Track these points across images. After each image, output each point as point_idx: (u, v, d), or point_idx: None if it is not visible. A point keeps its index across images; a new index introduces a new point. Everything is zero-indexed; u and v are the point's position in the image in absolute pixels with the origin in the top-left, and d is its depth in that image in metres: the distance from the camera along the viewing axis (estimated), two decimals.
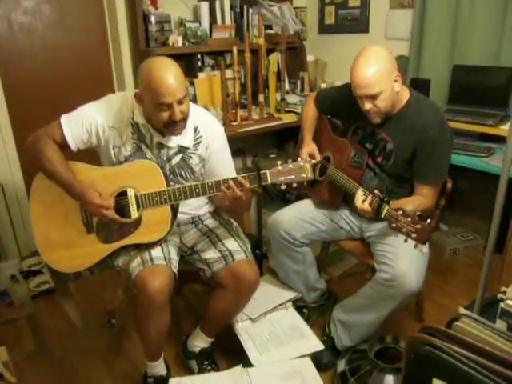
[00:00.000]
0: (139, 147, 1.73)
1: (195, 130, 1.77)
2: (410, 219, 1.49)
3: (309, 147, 2.08)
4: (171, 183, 1.77)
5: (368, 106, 1.72)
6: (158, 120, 1.60)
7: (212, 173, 1.83)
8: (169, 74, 1.52)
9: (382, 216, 1.60)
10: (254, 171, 1.61)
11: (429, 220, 1.49)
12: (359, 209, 1.71)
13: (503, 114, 2.55)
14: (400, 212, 1.52)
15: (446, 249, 2.84)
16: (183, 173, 1.80)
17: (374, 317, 1.82)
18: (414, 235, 1.49)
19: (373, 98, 1.70)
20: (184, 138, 1.74)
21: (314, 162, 1.93)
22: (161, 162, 1.75)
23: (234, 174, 1.80)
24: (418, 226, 1.48)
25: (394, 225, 1.54)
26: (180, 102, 1.56)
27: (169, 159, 1.77)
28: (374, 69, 1.65)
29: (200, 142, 1.78)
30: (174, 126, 1.61)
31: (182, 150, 1.77)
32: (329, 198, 2.04)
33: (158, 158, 1.75)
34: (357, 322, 1.89)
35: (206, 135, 1.79)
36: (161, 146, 1.74)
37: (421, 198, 1.76)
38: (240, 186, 1.59)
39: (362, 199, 1.70)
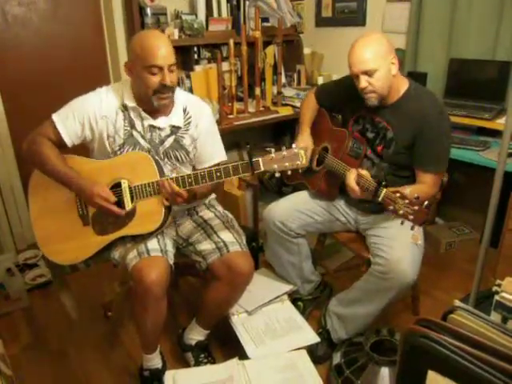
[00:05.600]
0: (131, 134, 1.74)
1: (184, 110, 1.80)
2: (407, 201, 1.49)
3: (303, 142, 2.07)
4: (167, 166, 1.79)
5: (363, 83, 1.73)
6: (148, 85, 1.61)
7: (200, 153, 1.85)
8: (161, 41, 1.60)
9: (380, 199, 1.59)
10: None
11: (426, 202, 1.49)
12: (349, 188, 1.71)
13: (499, 108, 2.55)
14: (398, 194, 1.52)
15: (441, 242, 2.85)
16: (178, 155, 1.81)
17: (369, 309, 1.84)
18: (411, 217, 1.49)
19: (368, 74, 1.71)
20: (175, 118, 1.76)
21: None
22: (154, 145, 1.76)
23: (223, 155, 1.91)
24: (416, 207, 1.47)
25: (391, 207, 1.54)
26: (170, 70, 1.61)
27: (162, 142, 1.77)
28: (369, 48, 1.70)
29: (190, 122, 1.80)
30: (163, 92, 1.63)
31: (174, 130, 1.78)
32: (325, 188, 2.04)
33: (151, 142, 1.76)
34: (352, 315, 1.90)
35: (195, 115, 1.81)
36: (152, 128, 1.75)
37: (421, 186, 1.77)
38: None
39: (353, 178, 1.71)
